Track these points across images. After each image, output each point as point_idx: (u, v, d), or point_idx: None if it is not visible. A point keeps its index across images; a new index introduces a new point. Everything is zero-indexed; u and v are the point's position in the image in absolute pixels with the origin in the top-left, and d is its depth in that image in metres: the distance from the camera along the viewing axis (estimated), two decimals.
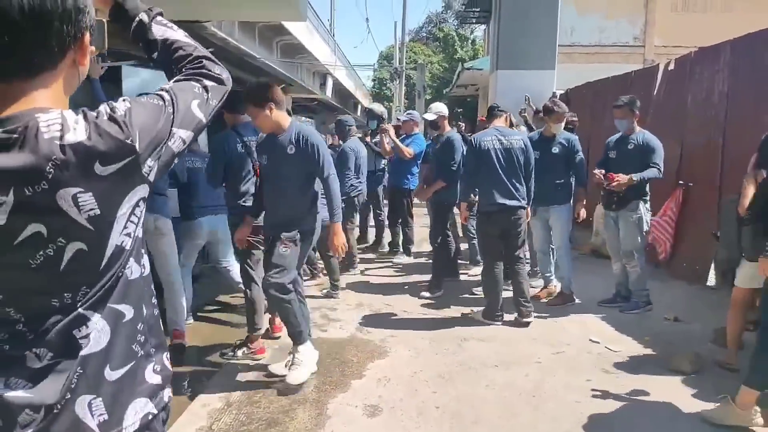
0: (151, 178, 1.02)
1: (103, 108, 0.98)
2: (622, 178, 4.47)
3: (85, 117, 0.95)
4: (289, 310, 3.39)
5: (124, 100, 1.01)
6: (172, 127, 1.04)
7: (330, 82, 32.73)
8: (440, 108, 5.57)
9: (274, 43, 21.70)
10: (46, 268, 0.93)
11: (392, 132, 6.49)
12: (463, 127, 9.72)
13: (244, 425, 2.97)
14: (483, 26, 24.19)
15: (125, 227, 1.00)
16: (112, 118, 0.96)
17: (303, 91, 29.47)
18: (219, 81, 1.17)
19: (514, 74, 10.52)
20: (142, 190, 1.01)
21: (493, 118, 4.76)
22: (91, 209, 0.93)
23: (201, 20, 13.63)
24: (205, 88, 1.14)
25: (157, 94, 1.07)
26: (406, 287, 5.65)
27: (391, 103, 29.26)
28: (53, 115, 0.92)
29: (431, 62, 32.96)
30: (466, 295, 5.35)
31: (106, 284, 1.00)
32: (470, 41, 30.74)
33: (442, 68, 31.91)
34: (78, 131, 0.92)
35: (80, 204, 0.92)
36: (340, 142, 6.24)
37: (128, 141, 0.96)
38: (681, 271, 5.67)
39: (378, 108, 7.76)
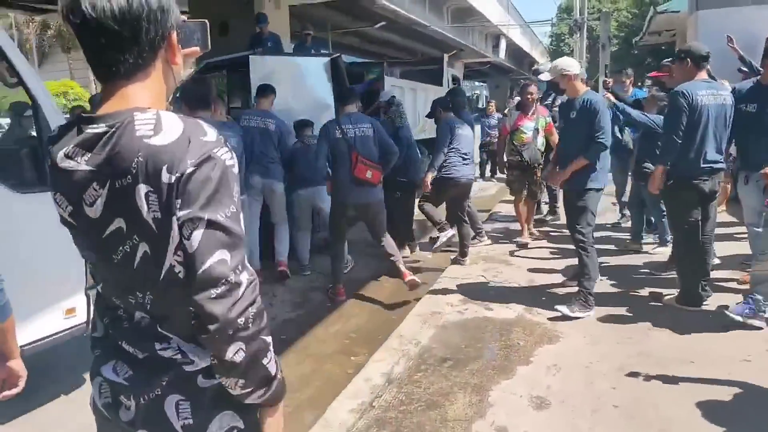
0: (174, 224, 0.95)
1: (215, 135, 0.99)
2: None
3: (186, 125, 0.98)
4: None
5: (233, 158, 1.00)
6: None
7: (503, 44, 31.57)
8: (567, 63, 4.19)
9: (444, 8, 21.49)
10: (124, 264, 1.01)
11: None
12: (610, 83, 8.39)
13: (404, 404, 2.93)
14: None
15: (176, 253, 0.98)
16: (204, 144, 0.96)
17: (475, 56, 28.86)
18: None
19: (720, 14, 8.94)
20: (175, 227, 0.95)
21: (698, 70, 3.83)
22: (156, 211, 0.96)
23: None
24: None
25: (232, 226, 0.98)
26: None
27: None
28: (149, 115, 0.98)
29: (617, 9, 29.77)
30: (650, 276, 4.72)
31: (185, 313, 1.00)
32: None
33: (631, 15, 28.60)
34: (168, 134, 0.96)
35: (150, 203, 0.95)
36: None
37: (188, 162, 0.94)
38: None
39: (545, 68, 6.64)
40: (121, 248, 0.99)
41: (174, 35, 1.05)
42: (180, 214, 0.94)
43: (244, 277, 0.97)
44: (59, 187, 1.04)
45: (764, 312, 3.54)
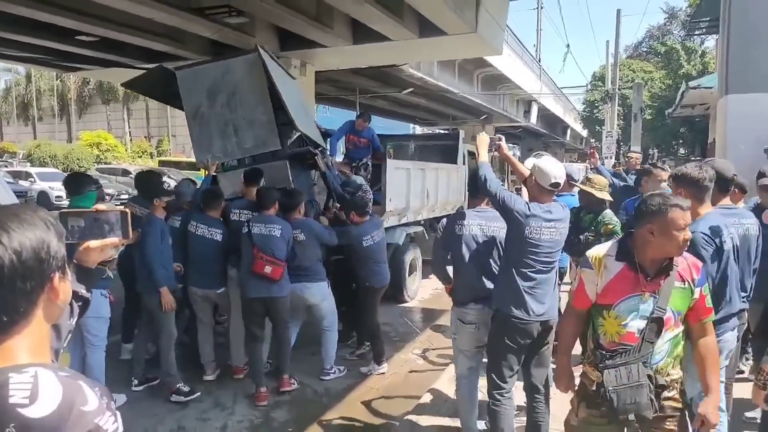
0: None
1: (97, 402, 0.93)
2: None
3: (66, 392, 0.90)
4: None
5: (117, 422, 0.96)
6: None
7: (535, 109, 31.65)
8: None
9: (474, 75, 21.68)
10: None
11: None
12: (634, 161, 7.76)
13: None
14: (715, 36, 20.95)
15: None
16: (84, 415, 0.89)
17: (505, 121, 28.93)
18: None
19: (750, 99, 8.61)
20: None
21: (723, 195, 3.11)
22: None
23: (398, 64, 14.15)
24: None
25: None
26: None
27: (602, 127, 26.91)
28: (25, 378, 0.90)
29: (651, 79, 29.63)
30: None
31: None
32: (699, 54, 26.80)
33: (665, 85, 28.36)
34: (45, 404, 0.88)
35: None
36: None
37: None
38: None
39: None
40: None
41: (56, 278, 1.01)
42: None
43: None
44: None
45: None
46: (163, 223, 4.47)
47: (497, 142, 3.49)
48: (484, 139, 3.44)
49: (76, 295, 1.26)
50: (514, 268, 3.07)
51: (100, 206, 1.34)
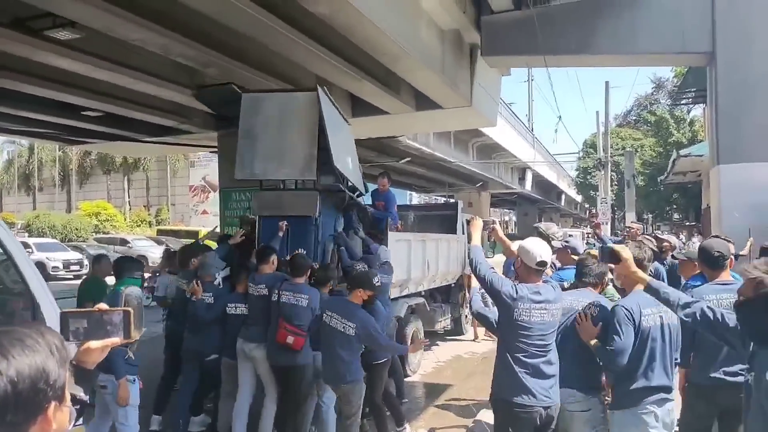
0: None
1: None
2: None
3: None
4: None
5: None
6: None
7: (529, 176, 32.23)
8: None
9: (469, 145, 22.20)
10: None
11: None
12: (635, 231, 7.27)
13: None
14: (702, 105, 21.68)
15: None
16: None
17: (500, 187, 29.40)
18: None
19: (742, 168, 8.79)
20: None
21: (716, 271, 3.20)
22: None
23: (395, 135, 14.52)
24: None
25: None
26: None
27: (596, 193, 27.31)
28: None
29: (642, 146, 30.38)
30: None
31: None
32: (687, 122, 27.62)
33: (656, 153, 29.05)
34: None
35: None
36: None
37: None
38: None
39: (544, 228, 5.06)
40: None
41: (51, 408, 0.98)
42: None
43: None
44: None
45: None
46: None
47: (491, 226, 3.56)
48: (477, 224, 3.48)
49: (73, 399, 1.20)
50: (508, 354, 3.02)
51: (103, 306, 1.32)
